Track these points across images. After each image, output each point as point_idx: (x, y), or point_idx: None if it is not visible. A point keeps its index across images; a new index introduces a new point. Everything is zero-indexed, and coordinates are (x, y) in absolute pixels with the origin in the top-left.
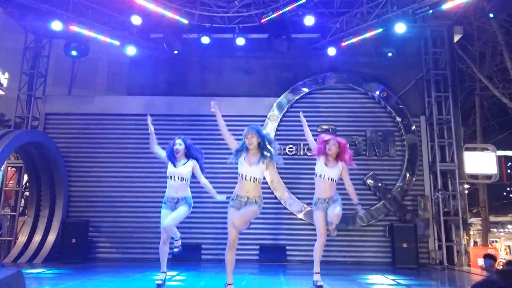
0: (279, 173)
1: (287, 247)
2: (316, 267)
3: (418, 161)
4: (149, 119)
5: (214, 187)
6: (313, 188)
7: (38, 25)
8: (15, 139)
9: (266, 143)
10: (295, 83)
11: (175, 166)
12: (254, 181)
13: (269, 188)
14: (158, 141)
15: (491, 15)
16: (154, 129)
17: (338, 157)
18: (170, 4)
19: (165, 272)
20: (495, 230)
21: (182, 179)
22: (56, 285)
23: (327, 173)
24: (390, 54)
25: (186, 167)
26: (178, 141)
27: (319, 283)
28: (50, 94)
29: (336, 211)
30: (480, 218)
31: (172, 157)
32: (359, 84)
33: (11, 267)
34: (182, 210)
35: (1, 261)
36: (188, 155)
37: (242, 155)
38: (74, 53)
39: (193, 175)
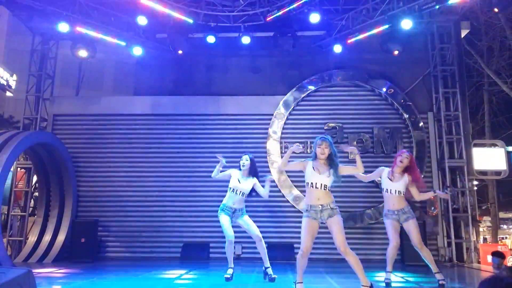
0: (286, 171)
1: (295, 245)
2: (388, 266)
3: (426, 157)
4: (221, 159)
5: (219, 189)
6: None
7: (45, 27)
8: (24, 140)
9: (334, 156)
10: (301, 81)
11: (239, 181)
12: (324, 188)
13: (276, 186)
14: (165, 141)
15: (496, 9)
16: (161, 129)
17: (406, 170)
18: (175, 4)
19: (233, 268)
20: (505, 226)
21: (242, 194)
22: (66, 285)
23: (393, 187)
24: (396, 53)
25: (248, 183)
26: (245, 157)
27: (386, 281)
28: (58, 95)
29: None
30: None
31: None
32: (365, 81)
33: (22, 266)
34: (249, 219)
35: (12, 260)
36: (251, 171)
37: (309, 163)
38: (84, 54)
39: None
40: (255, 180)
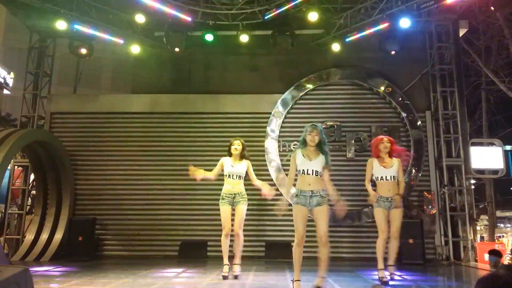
0: (284, 170)
1: (293, 244)
2: (380, 264)
3: (423, 156)
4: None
5: (217, 187)
6: None
7: (42, 25)
8: (21, 138)
9: (323, 144)
10: (300, 79)
11: (232, 165)
12: (316, 174)
13: (274, 184)
14: (163, 139)
15: (492, 8)
16: (159, 127)
17: (391, 154)
18: (174, 1)
19: (228, 265)
20: (502, 225)
21: (239, 177)
22: (63, 283)
23: (388, 173)
24: (393, 53)
25: (242, 166)
26: (237, 142)
27: (384, 279)
28: (55, 93)
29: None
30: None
31: (230, 155)
32: (363, 80)
33: (19, 265)
34: (243, 210)
35: (9, 259)
36: (242, 155)
37: (298, 152)
38: (83, 51)
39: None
40: (248, 163)
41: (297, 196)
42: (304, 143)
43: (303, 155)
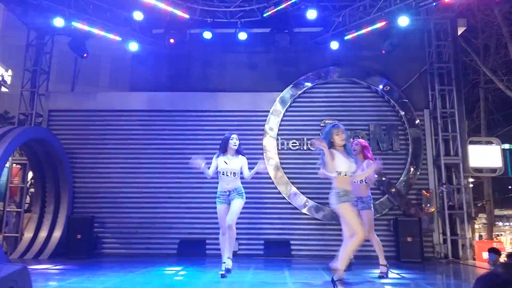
0: (283, 168)
1: (291, 242)
2: (381, 260)
3: (422, 155)
4: (202, 164)
5: (215, 185)
6: (317, 183)
7: (40, 22)
8: (19, 136)
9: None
10: (298, 77)
11: (225, 162)
12: (351, 175)
13: (272, 183)
14: (161, 137)
15: None
16: (157, 125)
17: (365, 157)
18: None
19: (226, 263)
20: (500, 223)
21: (234, 174)
22: (61, 281)
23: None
24: (383, 52)
25: (237, 162)
26: (235, 136)
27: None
28: (53, 91)
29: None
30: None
31: (224, 152)
32: (362, 78)
33: (17, 263)
34: (238, 204)
35: (8, 257)
36: (239, 151)
37: (335, 153)
38: (81, 49)
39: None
40: (244, 159)
41: (345, 195)
42: (332, 144)
43: (342, 156)
